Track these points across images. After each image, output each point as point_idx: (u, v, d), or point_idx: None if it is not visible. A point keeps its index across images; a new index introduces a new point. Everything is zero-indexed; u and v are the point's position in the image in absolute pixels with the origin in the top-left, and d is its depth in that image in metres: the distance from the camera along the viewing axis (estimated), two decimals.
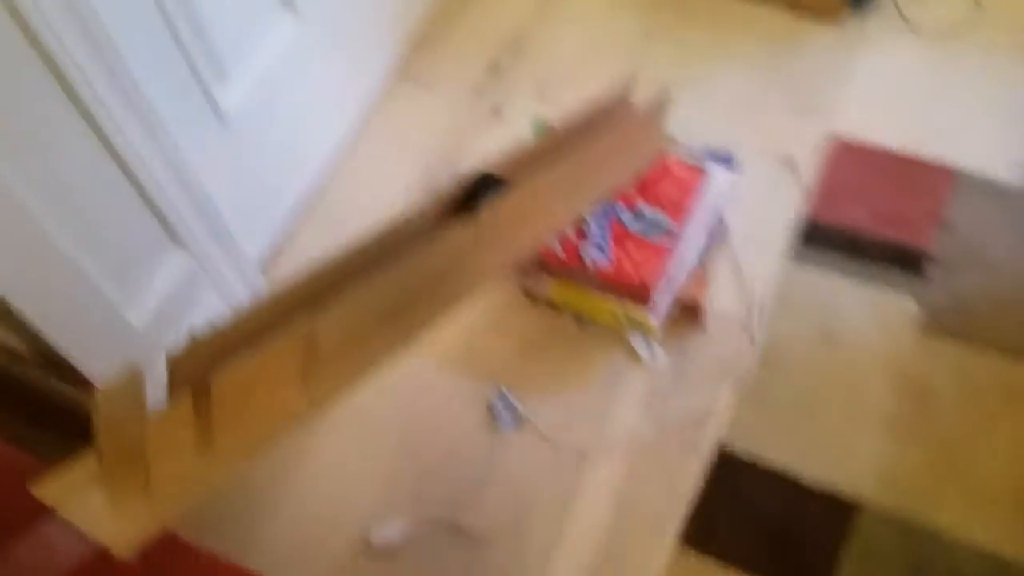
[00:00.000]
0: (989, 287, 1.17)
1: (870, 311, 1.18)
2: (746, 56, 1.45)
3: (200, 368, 0.68)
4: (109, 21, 0.88)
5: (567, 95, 1.45)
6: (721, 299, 1.22)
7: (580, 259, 1.10)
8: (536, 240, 0.98)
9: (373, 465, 1.14)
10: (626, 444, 1.12)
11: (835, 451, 1.08)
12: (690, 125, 1.37)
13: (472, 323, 1.23)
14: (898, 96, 1.38)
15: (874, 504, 1.03)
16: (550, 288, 1.17)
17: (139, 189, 0.94)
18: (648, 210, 1.12)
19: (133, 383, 0.63)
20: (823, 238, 1.25)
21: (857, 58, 1.42)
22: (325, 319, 0.71)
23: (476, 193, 0.97)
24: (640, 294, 1.09)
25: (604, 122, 1.12)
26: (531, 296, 1.22)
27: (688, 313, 1.18)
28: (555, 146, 1.07)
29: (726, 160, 1.25)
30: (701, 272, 1.18)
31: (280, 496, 1.12)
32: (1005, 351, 1.12)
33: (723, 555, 1.03)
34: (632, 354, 1.18)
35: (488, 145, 1.38)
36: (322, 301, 0.71)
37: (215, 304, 1.13)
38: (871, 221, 1.25)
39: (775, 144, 1.34)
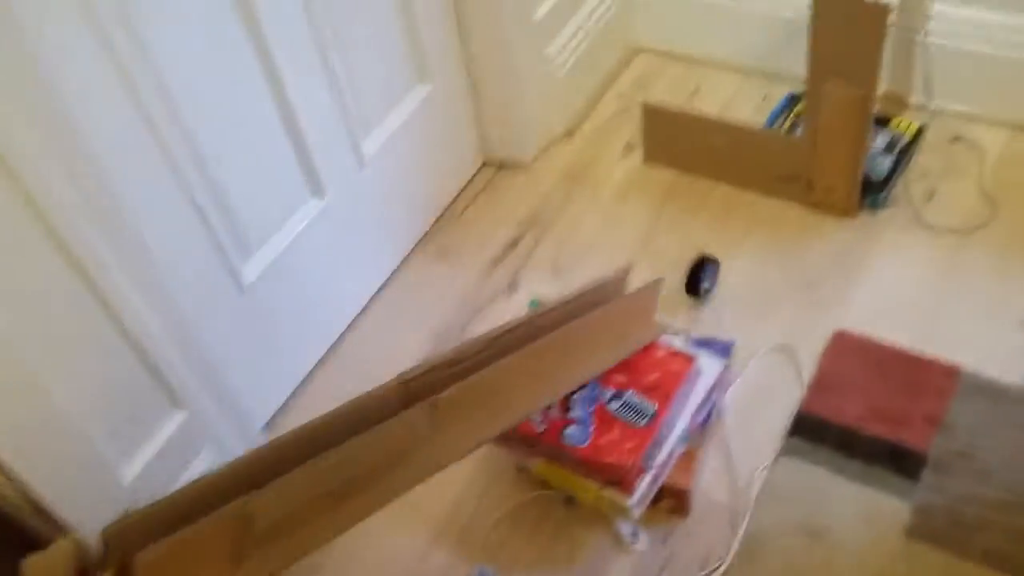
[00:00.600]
0: (979, 494, 1.14)
1: (858, 509, 1.16)
2: (755, 247, 1.50)
3: (131, 544, 0.73)
4: (133, 205, 1.00)
5: (580, 274, 1.52)
6: (709, 486, 1.22)
7: (560, 439, 1.13)
8: (510, 420, 1.03)
9: None
10: None
11: None
12: (694, 311, 1.42)
13: (462, 492, 1.26)
14: (907, 293, 1.40)
15: None
16: (538, 464, 1.20)
17: (141, 355, 1.03)
18: (633, 395, 1.15)
19: (63, 555, 0.68)
20: (818, 431, 1.25)
21: (868, 254, 1.46)
22: (263, 497, 0.75)
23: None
24: (618, 478, 1.10)
25: (596, 305, 1.18)
26: (522, 469, 1.25)
27: (673, 498, 1.18)
28: (544, 325, 1.13)
29: (723, 348, 1.28)
30: (689, 458, 1.19)
31: None
32: (988, 562, 1.08)
33: None
34: (617, 538, 1.19)
35: (502, 317, 1.46)
36: (265, 479, 0.77)
37: (212, 461, 1.19)
38: (868, 418, 1.24)
39: (778, 334, 1.37)
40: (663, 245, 1.54)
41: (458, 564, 1.20)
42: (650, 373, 1.18)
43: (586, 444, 1.12)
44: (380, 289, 1.56)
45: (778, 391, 1.31)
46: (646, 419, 1.13)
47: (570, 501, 1.22)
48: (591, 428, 1.13)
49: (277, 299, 1.31)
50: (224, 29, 1.10)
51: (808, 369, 1.32)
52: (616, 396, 1.16)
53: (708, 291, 1.43)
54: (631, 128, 1.73)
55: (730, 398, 1.30)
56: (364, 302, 1.54)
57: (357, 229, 1.46)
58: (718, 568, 1.13)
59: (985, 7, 1.49)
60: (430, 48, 1.48)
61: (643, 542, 1.17)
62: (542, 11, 1.59)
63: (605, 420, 1.14)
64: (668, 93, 1.81)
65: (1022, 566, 1.08)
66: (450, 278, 1.56)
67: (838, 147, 1.40)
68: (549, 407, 1.16)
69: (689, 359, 1.19)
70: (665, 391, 1.16)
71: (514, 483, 1.26)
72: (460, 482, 1.27)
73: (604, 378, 1.18)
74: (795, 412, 1.27)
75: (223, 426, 1.20)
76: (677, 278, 1.43)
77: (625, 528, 1.18)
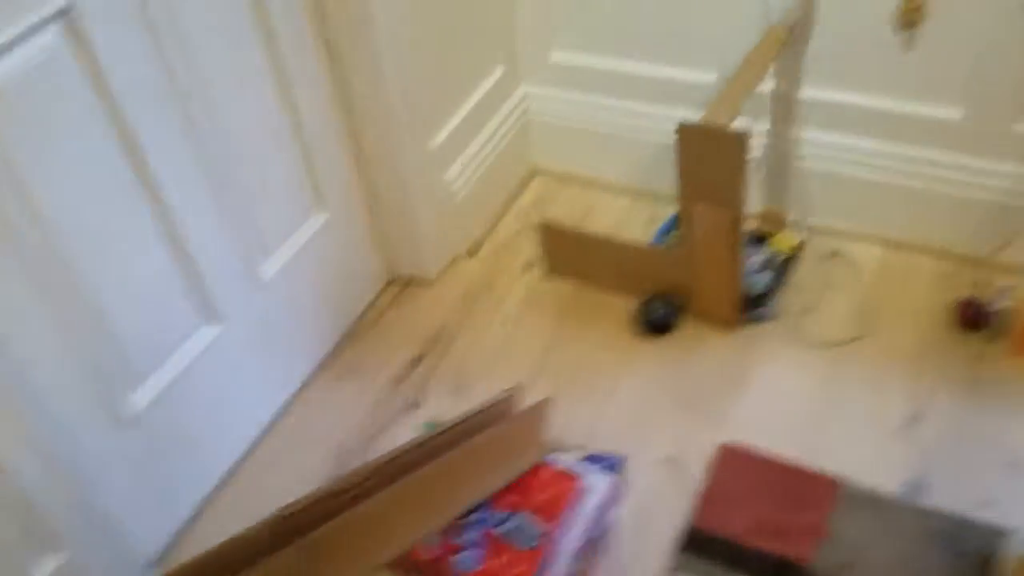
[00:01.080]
0: None
1: None
2: (644, 361, 1.56)
3: None
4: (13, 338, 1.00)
5: (482, 390, 1.55)
6: None
7: (450, 566, 1.13)
8: (394, 550, 1.03)
9: None
10: None
11: None
12: (583, 429, 1.45)
13: None
14: (789, 405, 1.46)
15: None
16: None
17: (13, 495, 1.01)
18: (522, 517, 1.17)
19: None
20: (706, 546, 1.27)
21: (751, 366, 1.52)
22: None
23: None
24: None
25: (487, 427, 1.20)
26: None
27: None
28: (434, 449, 1.15)
29: (612, 465, 1.31)
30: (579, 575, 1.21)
31: None
32: None
33: None
34: None
35: (406, 436, 1.47)
36: None
37: None
38: (754, 531, 1.28)
39: (666, 449, 1.41)
40: (563, 358, 1.58)
41: None
42: (539, 493, 1.20)
43: (476, 570, 1.12)
44: (281, 413, 1.56)
45: (668, 505, 1.34)
46: (535, 541, 1.14)
47: None
48: (481, 553, 1.14)
49: (168, 428, 1.31)
50: (104, 158, 1.13)
51: (697, 482, 1.36)
52: (505, 519, 1.17)
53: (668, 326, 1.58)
54: (531, 246, 1.80)
55: (621, 513, 1.33)
56: (263, 427, 1.53)
57: (256, 353, 1.47)
58: None
59: (852, 133, 1.61)
60: (326, 178, 1.53)
61: None
62: (438, 140, 1.67)
63: (494, 544, 1.15)
64: (564, 213, 1.89)
65: None
66: (353, 398, 1.57)
67: (714, 265, 1.49)
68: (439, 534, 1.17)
69: (577, 478, 1.22)
70: (553, 511, 1.17)
71: None
72: None
73: (494, 500, 1.19)
74: (685, 527, 1.30)
75: (105, 566, 1.17)
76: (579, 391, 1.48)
77: None
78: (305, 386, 1.60)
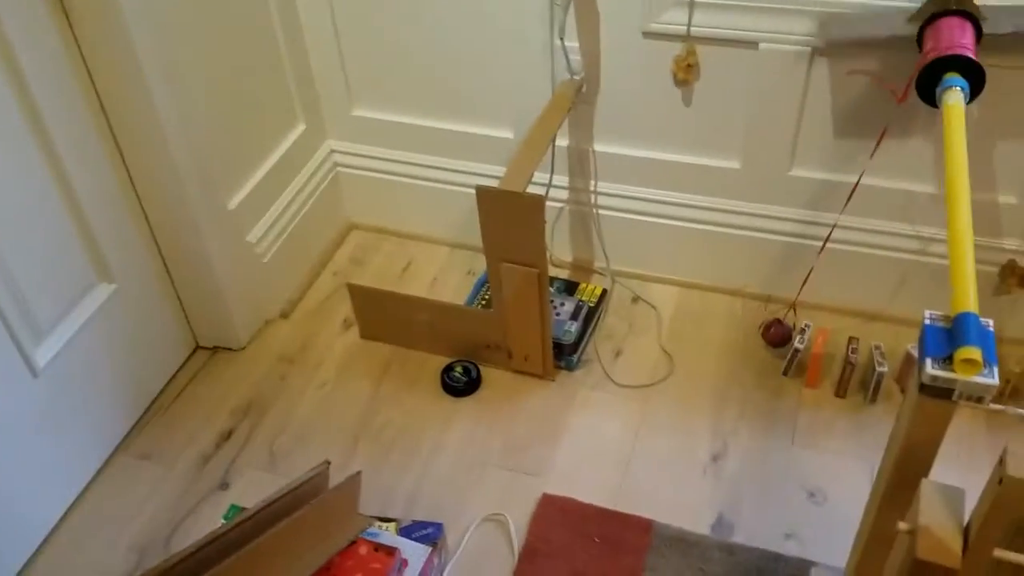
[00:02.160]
0: None
1: None
2: (462, 419, 1.56)
3: None
4: None
5: (299, 461, 1.49)
6: None
7: None
8: None
9: None
10: None
11: None
12: (406, 495, 1.43)
13: None
14: (603, 450, 1.50)
15: None
16: None
17: None
18: None
19: None
20: None
21: (566, 414, 1.56)
22: None
23: None
24: None
25: (295, 508, 1.15)
26: None
27: None
28: (239, 538, 1.09)
29: (430, 534, 1.29)
30: None
31: None
32: None
33: None
34: None
35: (213, 522, 1.38)
36: None
37: None
38: None
39: (490, 507, 1.41)
40: (381, 421, 1.55)
41: None
42: (351, 572, 1.16)
43: None
44: (74, 502, 1.44)
45: (493, 563, 1.33)
46: None
47: None
48: None
49: None
50: None
51: (520, 536, 1.37)
52: None
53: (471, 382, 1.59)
54: (348, 305, 1.76)
55: (449, 573, 1.31)
56: (55, 520, 1.40)
57: (38, 442, 1.34)
58: None
59: (642, 184, 1.69)
60: (110, 246, 1.43)
61: None
62: (236, 200, 1.61)
63: None
64: (383, 267, 1.87)
65: None
66: (156, 481, 1.47)
67: (524, 318, 1.51)
68: None
69: (392, 552, 1.19)
70: None
71: None
72: None
73: None
74: None
75: None
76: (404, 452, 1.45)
77: None
78: (100, 473, 1.49)
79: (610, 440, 1.51)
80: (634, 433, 1.52)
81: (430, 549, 1.24)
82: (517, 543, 1.36)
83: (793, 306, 1.66)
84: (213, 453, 1.52)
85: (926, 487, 0.84)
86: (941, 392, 0.85)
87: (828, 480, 1.43)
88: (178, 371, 1.67)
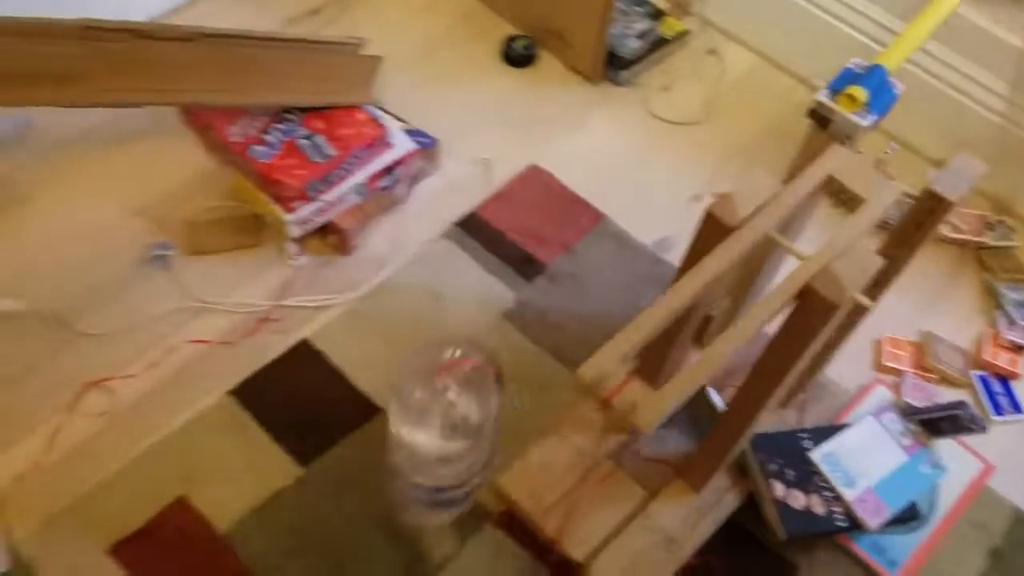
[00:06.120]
0: (567, 307, 1.43)
1: (477, 289, 1.43)
2: (501, 82, 1.73)
3: None
4: None
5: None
6: (375, 242, 1.47)
7: (246, 151, 1.35)
8: (183, 97, 1.23)
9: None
10: (239, 312, 1.36)
11: (390, 372, 1.32)
12: (417, 110, 1.62)
13: (171, 188, 1.48)
14: (606, 156, 1.65)
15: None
16: (232, 178, 1.42)
17: None
18: (321, 138, 1.38)
19: None
20: (477, 229, 1.50)
21: (591, 115, 1.70)
22: None
23: None
24: (281, 195, 1.34)
25: (323, 51, 1.38)
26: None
27: (336, 236, 1.43)
28: (262, 42, 1.32)
29: (428, 142, 1.51)
30: (360, 210, 1.43)
31: None
32: (553, 353, 1.38)
33: (257, 408, 1.27)
34: (283, 251, 1.43)
35: None
36: None
37: None
38: (519, 231, 1.51)
39: (485, 153, 1.61)
40: (441, 58, 1.74)
41: (145, 237, 1.43)
42: (345, 128, 1.40)
43: (266, 161, 1.35)
44: None
45: (464, 193, 1.55)
46: (323, 159, 1.36)
47: (259, 218, 1.46)
48: (276, 152, 1.36)
49: None
50: None
51: (497, 183, 1.57)
52: (307, 136, 1.39)
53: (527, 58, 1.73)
54: None
55: (425, 186, 1.55)
56: None
57: None
58: (347, 295, 1.40)
59: None
60: None
61: (301, 261, 1.43)
62: None
63: (291, 150, 1.37)
64: None
65: (572, 359, 1.37)
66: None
67: (587, 8, 1.61)
68: (248, 127, 1.38)
69: (385, 131, 1.42)
70: (349, 144, 1.38)
71: (220, 195, 1.49)
72: (172, 180, 1.49)
73: (305, 121, 1.40)
74: (468, 211, 1.53)
75: None
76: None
77: (291, 247, 1.43)
78: None
79: (614, 151, 1.66)
80: (638, 155, 1.66)
81: (417, 147, 1.46)
82: (492, 187, 1.57)
83: None
84: (301, 19, 1.75)
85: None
86: (821, 120, 0.95)
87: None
88: None
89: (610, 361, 0.83)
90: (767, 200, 0.92)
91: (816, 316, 0.87)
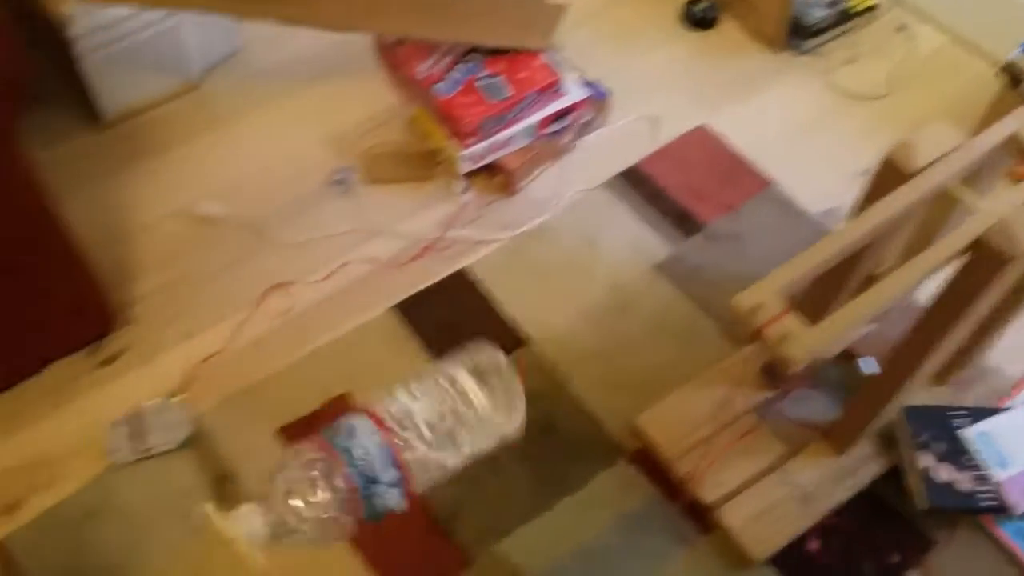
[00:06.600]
0: (724, 266, 1.43)
1: (631, 239, 1.46)
2: (679, 43, 1.75)
3: None
4: None
5: None
6: (540, 186, 1.53)
7: (430, 87, 1.44)
8: (381, 27, 1.33)
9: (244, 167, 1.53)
10: (407, 238, 1.46)
11: (538, 308, 1.38)
12: (598, 65, 1.66)
13: (358, 120, 1.59)
14: (779, 122, 1.63)
15: (536, 347, 1.33)
16: (415, 110, 1.51)
17: None
18: (500, 79, 1.45)
19: None
20: (639, 182, 1.53)
21: (769, 83, 1.69)
22: None
23: None
24: (458, 130, 1.42)
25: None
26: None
27: (503, 175, 1.49)
28: None
29: (598, 92, 1.55)
30: (529, 151, 1.49)
31: None
32: (705, 309, 1.39)
33: (416, 325, 1.36)
34: (452, 188, 1.51)
35: None
36: None
37: None
38: (680, 187, 1.52)
39: (655, 110, 1.63)
40: (614, 15, 1.78)
41: (332, 163, 1.54)
42: (523, 72, 1.46)
43: (447, 97, 1.43)
44: None
45: (630, 147, 1.58)
46: (500, 99, 1.43)
47: (433, 155, 1.54)
48: (457, 89, 1.43)
49: None
50: None
51: (663, 142, 1.59)
52: (488, 76, 1.45)
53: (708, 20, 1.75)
54: None
55: (592, 137, 1.59)
56: None
57: None
58: (507, 232, 1.46)
59: None
60: None
61: (468, 197, 1.50)
62: None
63: (470, 89, 1.44)
64: None
65: (723, 315, 1.38)
66: None
67: None
68: (435, 66, 1.46)
69: (559, 77, 1.47)
70: (525, 87, 1.44)
71: (401, 130, 1.58)
72: (360, 113, 1.60)
73: (486, 63, 1.47)
74: (631, 165, 1.55)
75: None
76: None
77: (460, 183, 1.50)
78: None
79: (787, 118, 1.64)
80: (813, 124, 1.63)
81: (588, 97, 1.50)
82: (658, 144, 1.59)
83: None
84: None
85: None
86: (1013, 78, 0.92)
87: None
88: None
89: (768, 293, 0.85)
90: (948, 152, 0.90)
91: (986, 271, 0.85)
